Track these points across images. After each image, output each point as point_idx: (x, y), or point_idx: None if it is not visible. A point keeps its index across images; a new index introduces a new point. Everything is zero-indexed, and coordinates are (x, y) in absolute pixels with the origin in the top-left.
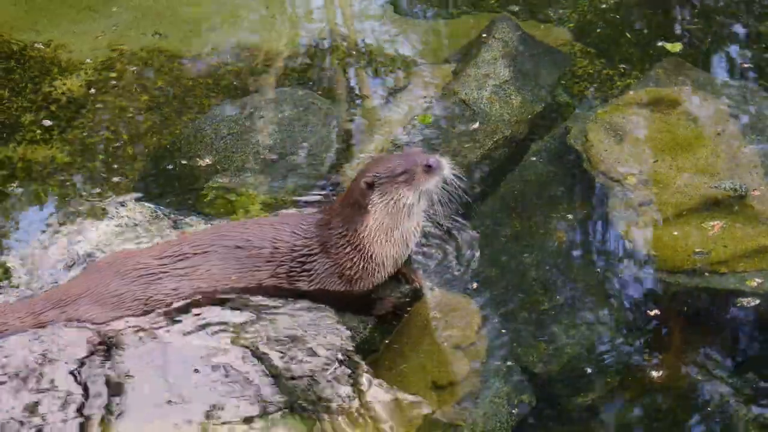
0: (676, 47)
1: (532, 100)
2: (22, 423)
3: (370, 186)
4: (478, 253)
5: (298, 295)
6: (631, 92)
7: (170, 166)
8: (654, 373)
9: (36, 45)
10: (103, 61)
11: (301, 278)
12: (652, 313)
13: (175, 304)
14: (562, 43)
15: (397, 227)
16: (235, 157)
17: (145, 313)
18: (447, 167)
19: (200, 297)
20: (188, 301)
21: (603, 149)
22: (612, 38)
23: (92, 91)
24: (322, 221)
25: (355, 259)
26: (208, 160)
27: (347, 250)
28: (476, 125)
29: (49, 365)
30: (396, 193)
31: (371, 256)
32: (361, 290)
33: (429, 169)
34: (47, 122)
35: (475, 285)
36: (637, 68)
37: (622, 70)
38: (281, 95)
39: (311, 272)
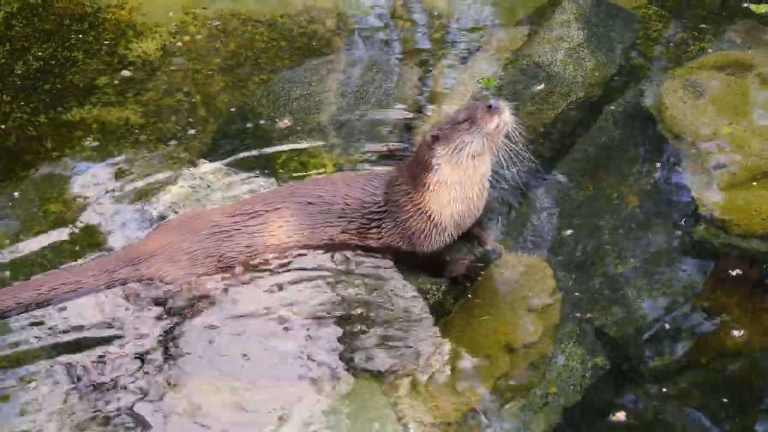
0: (761, 8)
1: (606, 62)
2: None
3: (436, 139)
4: (551, 216)
5: (370, 253)
6: (708, 53)
7: (244, 127)
8: (729, 337)
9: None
10: (177, 24)
11: (370, 235)
12: (726, 277)
13: (248, 261)
14: (636, 6)
15: (461, 183)
16: (308, 118)
17: (219, 270)
18: (508, 109)
19: (272, 254)
20: (260, 258)
21: (677, 112)
22: (687, 0)
23: (175, 46)
24: (391, 179)
25: (415, 219)
26: (286, 121)
27: (409, 210)
28: (541, 86)
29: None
30: (459, 141)
31: (431, 216)
32: (424, 251)
33: (490, 109)
34: (126, 73)
35: (549, 246)
36: (712, 31)
37: (695, 34)
38: (354, 57)
39: (379, 229)
